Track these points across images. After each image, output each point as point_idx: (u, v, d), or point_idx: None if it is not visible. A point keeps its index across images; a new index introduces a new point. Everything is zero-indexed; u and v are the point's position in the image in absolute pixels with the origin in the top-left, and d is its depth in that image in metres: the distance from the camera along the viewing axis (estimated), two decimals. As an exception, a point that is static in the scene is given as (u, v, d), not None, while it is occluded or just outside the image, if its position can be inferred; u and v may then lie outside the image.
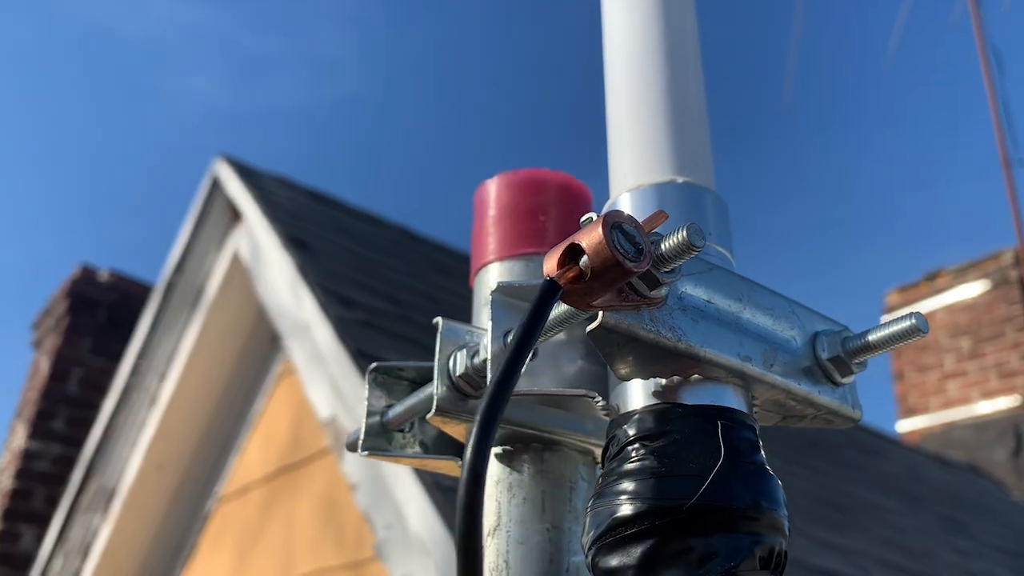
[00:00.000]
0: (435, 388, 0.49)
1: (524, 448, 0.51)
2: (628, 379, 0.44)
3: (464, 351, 0.50)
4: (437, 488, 2.08)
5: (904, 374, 8.42)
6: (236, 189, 4.10)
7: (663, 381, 0.44)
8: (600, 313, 0.40)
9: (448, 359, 0.51)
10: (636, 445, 0.43)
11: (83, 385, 5.88)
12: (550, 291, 0.37)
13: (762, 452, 0.43)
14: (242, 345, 4.23)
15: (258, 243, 3.83)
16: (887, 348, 0.45)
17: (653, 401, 0.44)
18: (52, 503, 5.48)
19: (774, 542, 0.41)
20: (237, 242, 4.07)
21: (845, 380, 0.48)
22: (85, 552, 4.56)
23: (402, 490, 2.17)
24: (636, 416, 0.44)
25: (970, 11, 5.71)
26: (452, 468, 0.56)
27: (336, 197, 4.90)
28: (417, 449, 0.55)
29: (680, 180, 0.48)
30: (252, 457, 3.85)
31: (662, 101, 0.50)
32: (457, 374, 0.49)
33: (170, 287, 4.43)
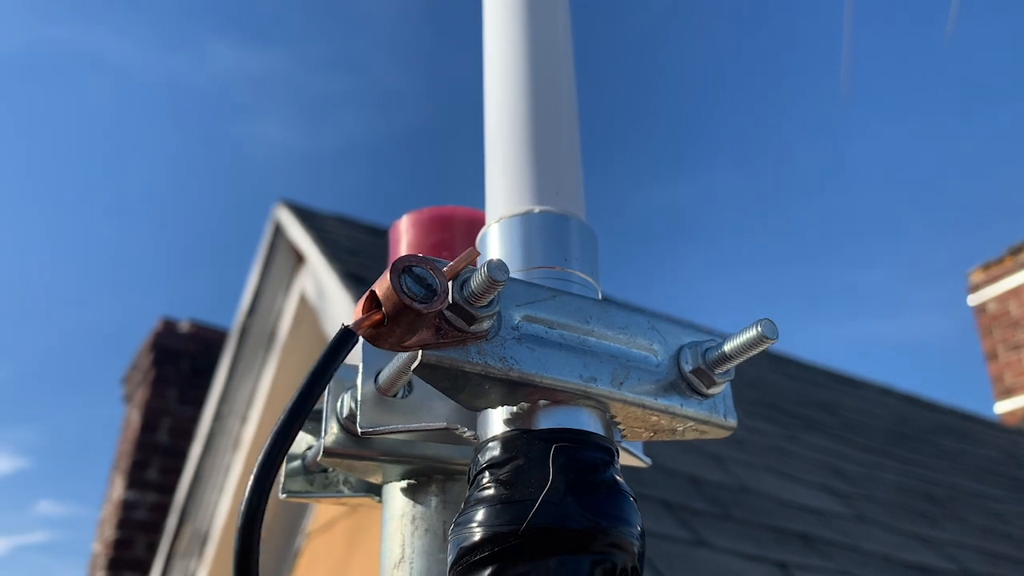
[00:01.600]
0: (323, 431, 0.51)
1: (428, 480, 0.52)
2: (478, 409, 0.45)
3: (349, 393, 0.51)
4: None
5: (997, 354, 8.12)
6: (297, 232, 4.20)
7: (515, 408, 0.45)
8: (419, 352, 0.40)
9: (337, 401, 0.52)
10: (486, 473, 0.44)
11: (172, 434, 6.07)
12: (343, 339, 0.38)
13: (615, 472, 0.43)
14: (316, 383, 4.31)
15: (321, 282, 3.91)
16: (743, 357, 0.45)
17: (506, 429, 0.45)
18: (152, 550, 5.66)
19: (616, 560, 0.41)
20: (303, 283, 4.17)
21: (712, 391, 0.47)
22: (184, 596, 4.69)
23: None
24: (489, 444, 0.45)
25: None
26: (372, 505, 0.57)
27: (394, 230, 4.98)
28: (342, 488, 0.57)
29: (538, 210, 0.49)
30: (335, 492, 3.93)
31: (528, 131, 0.51)
32: (344, 416, 0.51)
33: (244, 332, 4.55)
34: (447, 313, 0.40)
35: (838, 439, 4.50)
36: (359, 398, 0.48)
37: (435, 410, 0.49)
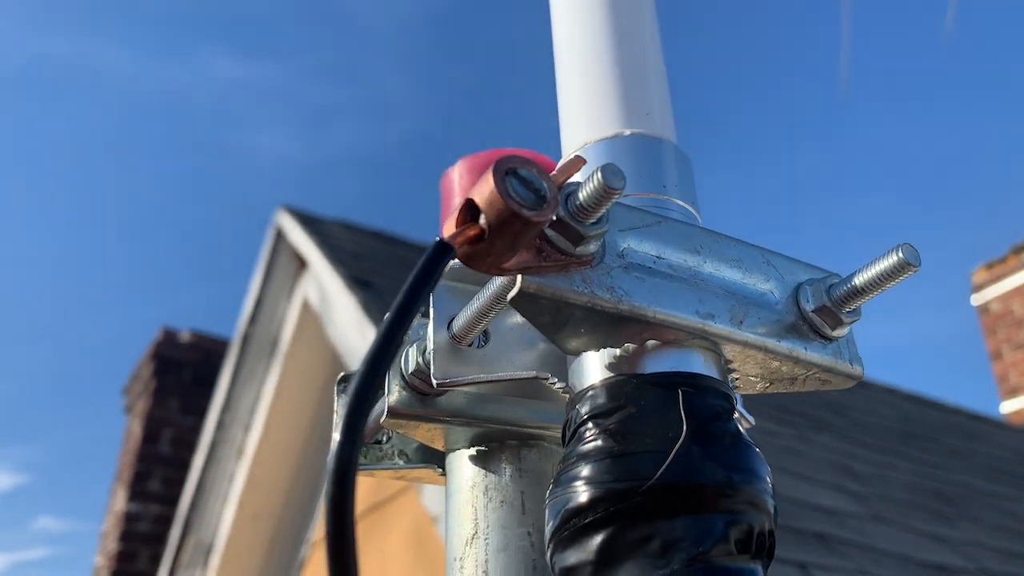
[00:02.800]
0: (387, 390, 0.46)
1: (500, 447, 0.46)
2: (576, 353, 0.39)
3: (415, 346, 0.46)
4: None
5: (1002, 353, 8.07)
6: (299, 237, 4.16)
7: (617, 351, 0.40)
8: (519, 278, 0.35)
9: (401, 356, 0.47)
10: (589, 424, 0.38)
11: (175, 444, 6.02)
12: (438, 253, 0.32)
13: (737, 421, 0.38)
14: (320, 389, 4.27)
15: (324, 287, 3.87)
16: (879, 290, 0.39)
17: (608, 375, 0.40)
18: (155, 562, 5.60)
19: (753, 521, 0.36)
20: (305, 289, 4.13)
21: (837, 333, 0.42)
22: (188, 608, 4.63)
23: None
24: (589, 393, 0.39)
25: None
26: (432, 477, 0.52)
27: (396, 235, 4.94)
28: (396, 460, 0.52)
29: (628, 132, 0.44)
30: (340, 500, 3.89)
31: (611, 51, 0.46)
32: (410, 371, 0.45)
33: (246, 339, 4.50)
34: (550, 232, 0.34)
35: (848, 439, 4.46)
36: (432, 347, 0.42)
37: (516, 361, 0.43)
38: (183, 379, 6.18)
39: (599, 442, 0.37)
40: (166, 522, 5.73)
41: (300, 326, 4.17)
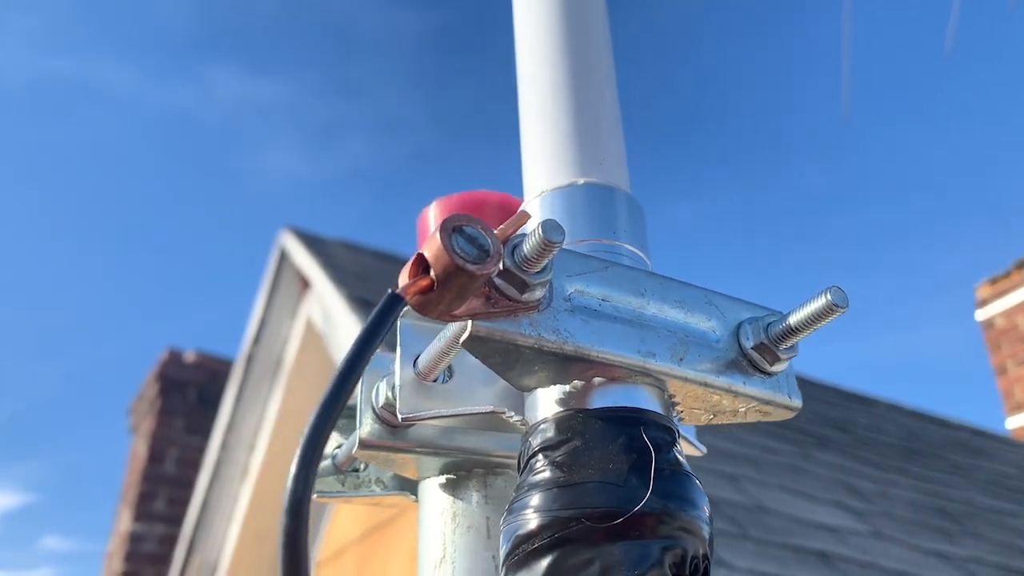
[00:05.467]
0: (359, 422, 0.48)
1: (467, 475, 0.49)
2: (529, 389, 0.42)
3: (385, 381, 0.49)
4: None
5: (1006, 369, 8.06)
6: (303, 258, 4.19)
7: (567, 388, 0.42)
8: (469, 323, 0.38)
9: (372, 391, 0.50)
10: (539, 456, 0.41)
11: (180, 464, 6.04)
12: (389, 304, 0.35)
13: (677, 452, 0.40)
14: (324, 409, 4.28)
15: (328, 308, 3.89)
16: (811, 328, 0.42)
17: (558, 409, 0.42)
18: (160, 583, 5.61)
19: (687, 546, 0.38)
20: (309, 309, 4.15)
21: (775, 368, 0.44)
22: (193, 629, 4.64)
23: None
24: (540, 426, 0.42)
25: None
26: (407, 504, 0.54)
27: (398, 254, 4.98)
28: (373, 488, 0.54)
29: (582, 181, 0.46)
30: (344, 520, 3.89)
31: (567, 103, 0.48)
32: (380, 405, 0.48)
33: (250, 360, 4.53)
34: (498, 281, 0.37)
35: (851, 456, 4.46)
36: (398, 384, 0.45)
37: (477, 396, 0.46)
38: (188, 399, 6.21)
39: (547, 473, 0.40)
40: (171, 542, 5.74)
41: (304, 346, 4.20)
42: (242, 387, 4.56)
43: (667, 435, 0.41)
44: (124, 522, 5.97)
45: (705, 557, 0.39)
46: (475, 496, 0.49)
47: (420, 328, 0.47)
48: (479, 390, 0.47)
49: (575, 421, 0.41)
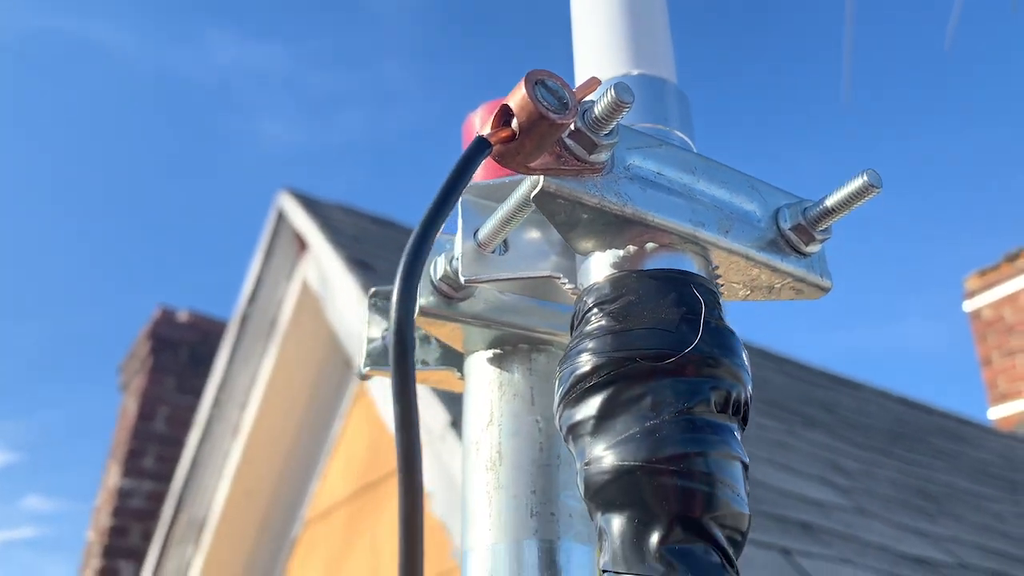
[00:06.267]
0: (419, 293, 0.52)
1: (513, 350, 0.53)
2: (586, 252, 0.45)
3: (443, 256, 0.52)
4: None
5: (991, 360, 8.16)
6: (301, 220, 4.19)
7: (620, 252, 0.46)
8: (541, 178, 0.41)
9: (431, 266, 0.53)
10: (595, 310, 0.45)
11: (170, 423, 6.06)
12: (476, 149, 0.38)
13: (721, 312, 0.44)
14: (317, 371, 4.31)
15: (325, 269, 3.91)
16: (846, 210, 0.45)
17: (612, 271, 0.46)
18: (147, 538, 5.65)
19: (731, 388, 0.42)
20: (305, 271, 4.16)
21: (810, 249, 0.48)
22: (180, 582, 4.68)
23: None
24: (596, 286, 0.46)
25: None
26: (451, 380, 0.58)
27: (396, 220, 5.00)
28: (420, 365, 0.58)
29: (636, 72, 0.49)
30: (334, 479, 3.93)
31: (621, 2, 0.51)
32: (438, 278, 0.52)
33: (245, 319, 4.55)
34: (568, 141, 0.41)
35: (837, 436, 4.52)
36: (459, 252, 0.48)
37: (532, 267, 0.49)
38: (180, 358, 6.22)
39: (603, 322, 0.44)
40: (159, 499, 5.78)
41: (299, 307, 4.21)
42: (236, 346, 4.58)
43: (712, 297, 0.45)
44: (113, 478, 6.00)
45: (746, 402, 0.42)
46: (520, 368, 0.52)
47: (478, 205, 0.50)
48: (533, 262, 0.50)
49: (629, 279, 0.44)
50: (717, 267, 0.48)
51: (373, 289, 0.59)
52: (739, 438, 0.43)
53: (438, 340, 0.57)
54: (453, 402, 2.49)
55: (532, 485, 0.49)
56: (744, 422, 0.43)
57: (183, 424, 5.95)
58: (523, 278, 0.49)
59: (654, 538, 0.38)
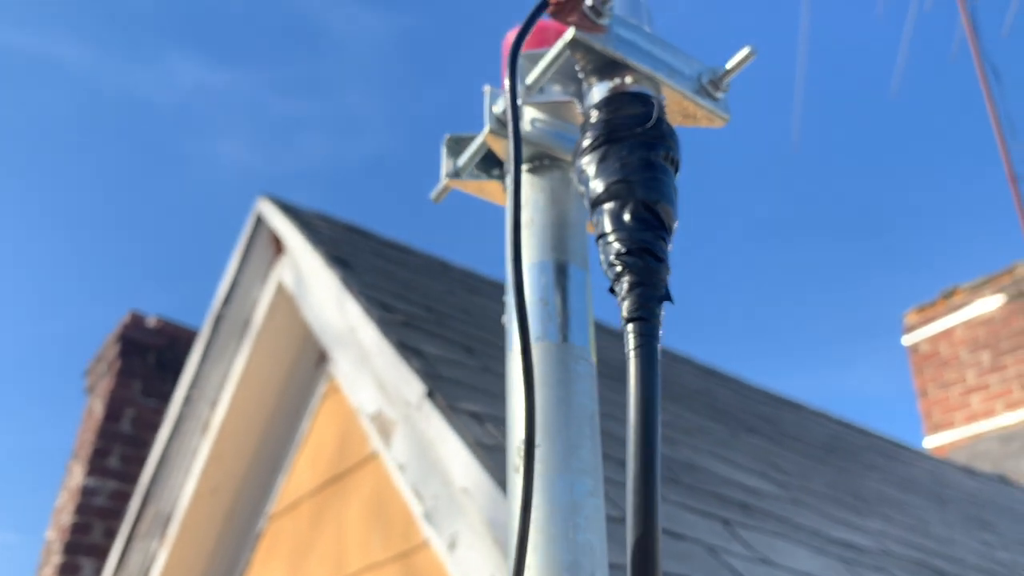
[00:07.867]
0: (486, 121, 0.80)
1: (540, 166, 0.80)
2: (590, 84, 0.74)
3: (501, 98, 0.81)
4: (479, 446, 2.29)
5: (927, 391, 8.57)
6: (279, 222, 4.38)
7: (609, 83, 0.74)
8: (572, 29, 0.70)
9: (493, 104, 0.81)
10: (594, 111, 0.74)
11: (135, 425, 6.17)
12: (541, 5, 0.67)
13: (666, 117, 0.72)
14: (288, 369, 4.46)
15: (301, 269, 4.09)
16: (736, 71, 0.75)
17: (608, 95, 0.74)
18: (110, 536, 5.73)
19: (671, 150, 0.71)
20: (281, 273, 4.35)
21: (718, 95, 0.78)
22: None
23: (446, 448, 2.37)
24: (595, 102, 0.74)
25: (967, 37, 5.96)
26: (498, 192, 0.85)
27: (371, 230, 5.22)
28: (478, 175, 0.86)
29: None
30: (301, 474, 4.04)
31: None
32: (500, 111, 0.80)
33: (219, 319, 4.71)
34: (586, 10, 0.69)
35: (776, 443, 4.76)
36: (507, 91, 0.76)
37: (557, 97, 0.79)
38: (147, 362, 6.34)
39: (601, 115, 0.72)
40: (123, 498, 5.87)
41: (273, 308, 4.37)
42: (209, 345, 4.72)
43: (663, 109, 0.74)
44: (75, 477, 6.08)
45: (678, 161, 0.70)
46: (547, 176, 0.80)
47: (525, 56, 0.78)
48: (557, 95, 0.79)
49: (618, 95, 0.74)
50: (664, 98, 0.76)
51: (449, 135, 0.87)
52: (674, 179, 0.71)
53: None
54: (429, 376, 2.64)
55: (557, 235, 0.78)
56: (676, 169, 0.71)
57: (149, 426, 6.07)
58: (553, 101, 0.77)
59: (627, 214, 0.66)
